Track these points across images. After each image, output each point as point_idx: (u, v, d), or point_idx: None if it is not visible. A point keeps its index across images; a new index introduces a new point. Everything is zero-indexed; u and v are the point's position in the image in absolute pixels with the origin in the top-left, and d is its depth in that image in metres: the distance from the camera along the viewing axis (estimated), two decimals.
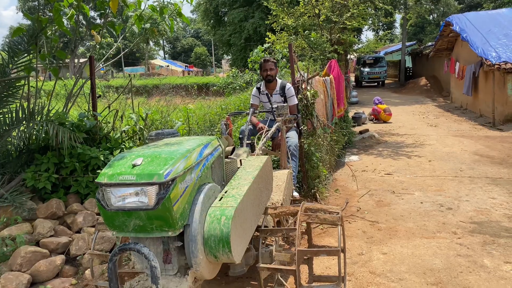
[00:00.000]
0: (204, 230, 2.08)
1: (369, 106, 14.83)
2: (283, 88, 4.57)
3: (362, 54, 22.60)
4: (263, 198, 2.73)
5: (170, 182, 1.91)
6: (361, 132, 9.81)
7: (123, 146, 4.85)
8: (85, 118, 4.78)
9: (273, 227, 3.10)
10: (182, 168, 2.00)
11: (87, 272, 3.46)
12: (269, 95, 4.50)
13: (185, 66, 55.91)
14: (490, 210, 4.77)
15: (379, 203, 5.22)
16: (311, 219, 2.65)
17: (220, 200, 2.23)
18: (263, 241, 2.72)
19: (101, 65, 6.74)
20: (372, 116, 12.61)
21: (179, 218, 1.97)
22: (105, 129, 5.08)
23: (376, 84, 28.10)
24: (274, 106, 3.99)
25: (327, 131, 6.31)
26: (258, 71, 11.53)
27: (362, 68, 27.35)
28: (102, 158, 4.45)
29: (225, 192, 2.31)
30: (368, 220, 4.62)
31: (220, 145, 2.57)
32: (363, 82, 27.72)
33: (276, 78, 4.62)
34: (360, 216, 4.76)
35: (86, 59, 6.15)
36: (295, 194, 4.19)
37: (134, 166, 1.94)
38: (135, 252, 2.09)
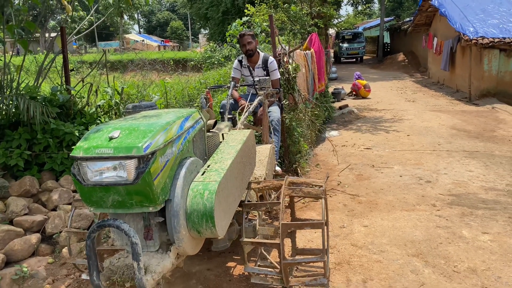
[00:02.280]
0: (187, 205, 2.01)
1: (348, 82, 14.84)
2: (265, 61, 4.46)
3: (341, 29, 22.40)
4: (246, 172, 2.67)
5: (150, 156, 1.81)
6: (340, 108, 9.81)
7: (99, 121, 4.69)
8: (58, 92, 4.58)
9: (256, 201, 3.06)
10: (162, 141, 1.91)
11: (64, 250, 3.37)
12: (251, 69, 4.38)
13: (161, 40, 54.59)
14: (468, 182, 4.86)
15: (359, 177, 5.25)
16: (295, 192, 2.61)
17: (202, 174, 2.15)
18: (246, 216, 2.68)
19: (73, 38, 6.44)
20: (353, 92, 12.61)
21: (160, 193, 1.89)
22: (80, 103, 4.89)
23: (354, 60, 28.10)
24: (256, 79, 3.89)
25: (308, 106, 6.26)
26: (238, 45, 11.31)
27: (341, 44, 27.25)
28: (77, 134, 4.29)
29: (208, 167, 2.24)
30: (349, 194, 4.64)
31: (201, 118, 2.48)
32: (341, 58, 27.66)
33: (258, 51, 4.49)
34: (341, 190, 4.77)
35: (57, 33, 5.87)
36: (277, 168, 4.15)
37: (111, 139, 1.84)
38: (114, 229, 2.01)
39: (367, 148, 6.63)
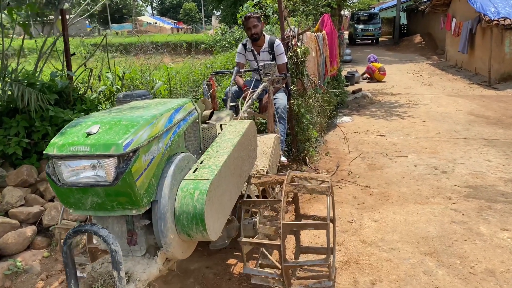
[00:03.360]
0: (176, 206, 1.83)
1: (363, 65, 14.45)
2: (271, 45, 4.21)
3: (356, 10, 21.77)
4: (245, 167, 2.47)
5: (131, 154, 1.63)
6: (354, 92, 9.50)
7: (100, 108, 4.53)
8: (57, 78, 4.42)
9: (257, 196, 2.88)
10: (146, 136, 1.72)
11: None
12: (256, 53, 4.15)
13: (174, 23, 54.16)
14: (486, 173, 4.59)
15: (371, 166, 5.02)
16: (298, 189, 2.41)
17: (194, 172, 1.97)
18: (246, 211, 2.50)
19: (85, 19, 6.25)
20: (366, 75, 12.25)
21: (144, 194, 1.71)
22: (81, 89, 4.73)
23: (370, 41, 27.42)
24: (261, 64, 3.66)
25: (318, 92, 6.01)
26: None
27: (356, 25, 26.55)
28: None
29: (201, 163, 2.05)
30: (360, 185, 4.43)
31: (195, 108, 2.27)
32: (356, 40, 27.00)
33: (264, 34, 4.25)
34: (351, 181, 4.55)
35: (72, 15, 5.69)
36: (283, 159, 3.94)
37: (88, 134, 1.66)
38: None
39: (380, 135, 6.36)
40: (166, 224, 1.79)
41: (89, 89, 4.87)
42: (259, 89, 3.54)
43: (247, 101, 3.42)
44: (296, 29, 4.95)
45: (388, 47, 24.92)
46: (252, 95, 3.47)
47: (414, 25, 26.22)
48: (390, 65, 15.41)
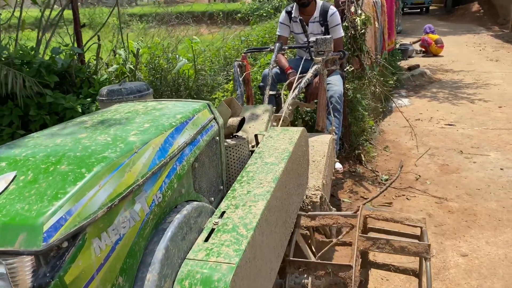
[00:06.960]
0: None
1: (414, 36, 12.97)
2: (324, 13, 3.21)
3: None
4: (293, 205, 1.59)
5: (63, 246, 0.77)
6: (409, 68, 8.27)
7: None
8: (60, 55, 3.64)
9: (305, 237, 1.99)
10: (105, 199, 0.85)
11: None
12: (304, 24, 3.17)
13: None
14: None
15: (444, 168, 4.00)
16: (379, 247, 1.50)
17: (207, 239, 1.09)
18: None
19: None
20: (421, 48, 10.88)
21: None
22: (91, 68, 3.94)
23: (419, 10, 25.28)
24: (312, 39, 2.70)
25: (375, 70, 4.95)
26: None
27: None
28: (80, 110, 3.37)
29: (221, 217, 1.17)
30: (433, 196, 3.45)
31: (214, 118, 1.38)
32: (404, 8, 24.90)
33: None
34: (421, 189, 3.58)
35: None
36: (338, 166, 3.03)
37: None
38: None
39: (448, 124, 5.26)
40: None
41: (104, 67, 4.10)
42: (309, 73, 2.59)
43: (294, 90, 2.50)
44: None
45: (440, 16, 22.80)
46: (301, 81, 2.53)
47: None
48: (445, 36, 13.76)
